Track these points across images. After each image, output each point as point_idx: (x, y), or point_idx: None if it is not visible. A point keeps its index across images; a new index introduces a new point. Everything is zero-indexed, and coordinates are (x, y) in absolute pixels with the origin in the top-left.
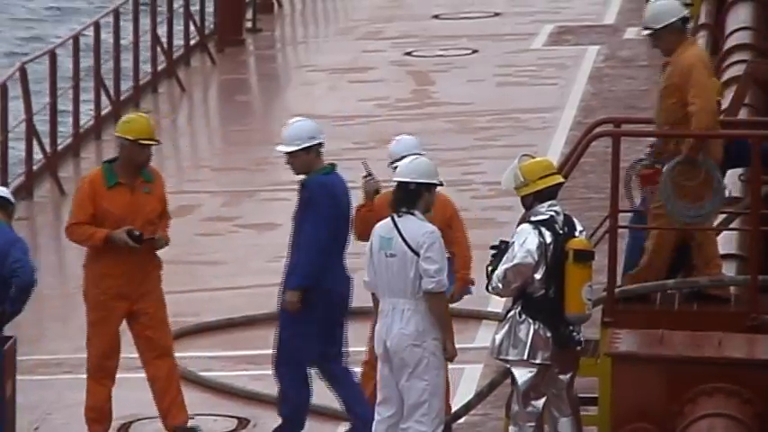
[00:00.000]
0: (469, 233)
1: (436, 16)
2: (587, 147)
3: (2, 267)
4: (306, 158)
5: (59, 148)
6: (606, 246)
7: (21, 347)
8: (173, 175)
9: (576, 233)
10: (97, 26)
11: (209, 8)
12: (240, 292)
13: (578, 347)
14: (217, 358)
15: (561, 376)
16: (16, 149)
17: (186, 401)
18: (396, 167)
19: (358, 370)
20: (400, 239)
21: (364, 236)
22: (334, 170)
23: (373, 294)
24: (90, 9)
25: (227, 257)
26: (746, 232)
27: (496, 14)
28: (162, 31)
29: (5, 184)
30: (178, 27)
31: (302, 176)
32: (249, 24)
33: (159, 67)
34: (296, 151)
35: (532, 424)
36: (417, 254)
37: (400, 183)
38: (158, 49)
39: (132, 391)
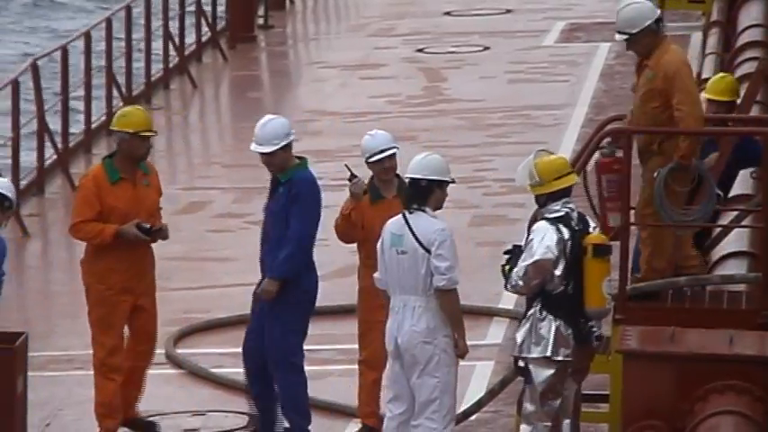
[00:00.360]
0: (481, 230)
1: (448, 13)
2: (599, 144)
3: None
4: (283, 156)
5: (71, 144)
6: (617, 243)
7: (32, 344)
8: (184, 171)
9: (590, 229)
10: (109, 22)
11: (221, 4)
12: (251, 288)
13: (598, 342)
14: (227, 355)
15: (573, 379)
16: (28, 146)
17: (197, 398)
18: (373, 161)
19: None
20: (411, 236)
21: (348, 238)
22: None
23: (384, 291)
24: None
25: (237, 254)
26: (758, 229)
27: (508, 11)
28: (174, 27)
29: (17, 181)
30: (190, 23)
31: (279, 172)
32: (261, 21)
33: (171, 64)
34: (276, 150)
35: (548, 423)
36: (428, 251)
37: (411, 179)
38: (170, 45)
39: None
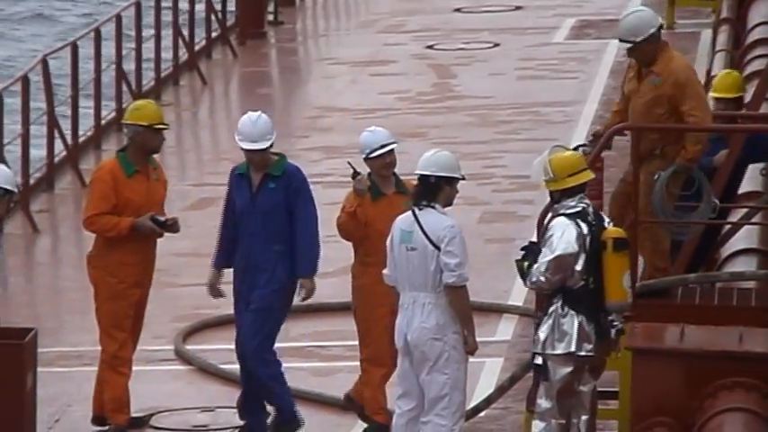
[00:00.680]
0: (491, 227)
1: (458, 9)
2: (609, 141)
3: None
4: (269, 152)
5: (81, 140)
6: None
7: (41, 339)
8: (193, 167)
9: (605, 224)
10: (119, 18)
11: (231, 0)
12: None
13: (620, 336)
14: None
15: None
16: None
17: (207, 394)
18: (374, 156)
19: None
20: (421, 233)
21: (351, 236)
22: None
23: (393, 288)
24: None
25: None
26: (767, 227)
27: (518, 8)
28: (183, 23)
29: (27, 177)
30: (200, 18)
31: (264, 168)
32: (271, 17)
33: (181, 60)
34: (269, 146)
35: (562, 421)
36: (438, 247)
37: (421, 176)
38: (180, 41)
39: (151, 383)
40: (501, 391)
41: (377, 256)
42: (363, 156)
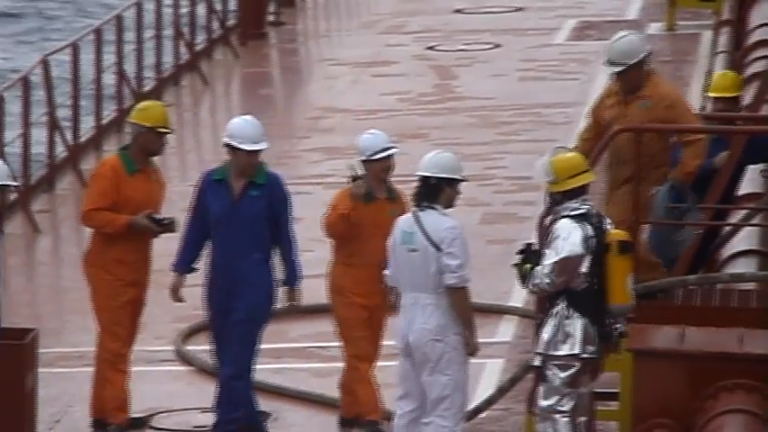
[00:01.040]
0: (492, 228)
1: (459, 10)
2: (609, 142)
3: None
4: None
5: (81, 140)
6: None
7: (42, 340)
8: (194, 168)
9: (606, 226)
10: (119, 19)
11: (232, 1)
12: None
13: (622, 338)
14: None
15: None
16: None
17: (207, 395)
18: (376, 159)
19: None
20: (421, 234)
21: (339, 236)
22: None
23: (395, 288)
24: None
25: None
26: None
27: (519, 9)
28: (185, 23)
29: (27, 177)
30: (201, 18)
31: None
32: (272, 18)
33: (182, 60)
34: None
35: (568, 417)
36: (439, 248)
37: (422, 177)
38: (181, 42)
39: (152, 384)
40: (502, 392)
41: (358, 257)
42: (364, 157)
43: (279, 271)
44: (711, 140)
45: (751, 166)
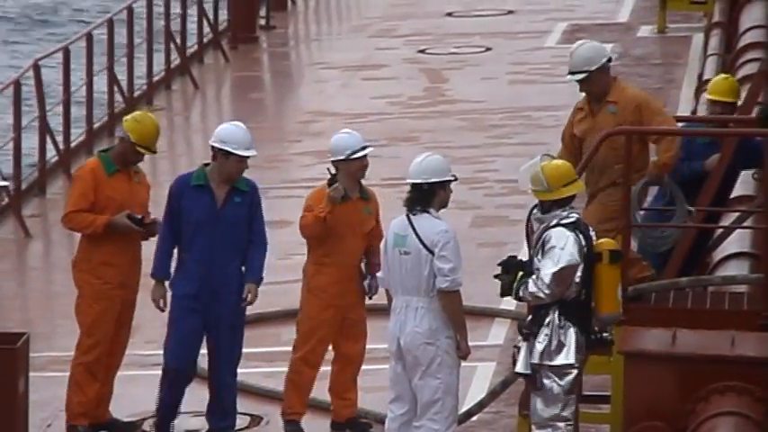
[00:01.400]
0: (483, 231)
1: (449, 14)
2: (600, 145)
3: None
4: None
5: (72, 145)
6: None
7: (33, 344)
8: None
9: (591, 234)
10: (111, 23)
11: (223, 5)
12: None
13: (610, 346)
14: None
15: None
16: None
17: (200, 398)
18: (354, 158)
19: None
20: (415, 237)
21: (315, 236)
22: None
23: (387, 291)
24: None
25: None
26: (759, 231)
27: (510, 12)
28: (175, 28)
29: (19, 181)
30: (192, 24)
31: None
32: (263, 21)
33: (173, 65)
34: None
35: (571, 423)
36: (432, 252)
37: (414, 184)
38: (172, 45)
39: (143, 387)
40: (493, 395)
41: (334, 257)
42: (342, 157)
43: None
44: (704, 144)
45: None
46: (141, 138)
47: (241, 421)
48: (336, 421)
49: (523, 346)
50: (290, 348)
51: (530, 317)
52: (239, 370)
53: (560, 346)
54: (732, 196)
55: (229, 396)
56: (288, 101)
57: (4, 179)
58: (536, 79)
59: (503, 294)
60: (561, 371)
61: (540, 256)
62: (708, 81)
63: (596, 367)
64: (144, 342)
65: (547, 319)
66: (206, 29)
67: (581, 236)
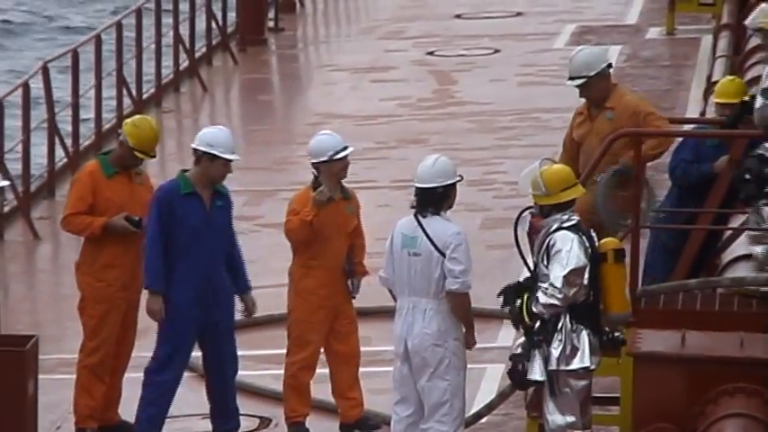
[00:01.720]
0: (492, 233)
1: (458, 16)
2: (609, 147)
3: None
4: None
5: (81, 147)
6: (628, 245)
7: (42, 347)
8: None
9: (592, 235)
10: (119, 26)
11: (232, 7)
12: (262, 291)
13: (622, 346)
14: (239, 357)
15: None
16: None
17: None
18: (337, 159)
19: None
20: (426, 239)
21: (302, 241)
22: None
23: (390, 291)
24: None
25: (248, 257)
26: None
27: (518, 14)
28: (184, 30)
29: (27, 183)
30: (200, 26)
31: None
32: (271, 24)
33: (181, 67)
34: None
35: (589, 430)
36: (443, 254)
37: (426, 188)
38: (180, 48)
39: None
40: (502, 397)
41: (321, 259)
42: (325, 158)
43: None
44: (713, 146)
45: None
46: (139, 142)
47: (250, 423)
48: (345, 423)
49: (536, 353)
50: None
51: (539, 323)
52: (247, 372)
53: (575, 350)
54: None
55: (234, 398)
56: (296, 103)
57: (5, 179)
58: (545, 81)
59: (516, 323)
60: (578, 375)
61: (545, 262)
62: (716, 83)
63: (605, 369)
64: (151, 344)
65: (559, 325)
66: (215, 31)
67: (584, 237)
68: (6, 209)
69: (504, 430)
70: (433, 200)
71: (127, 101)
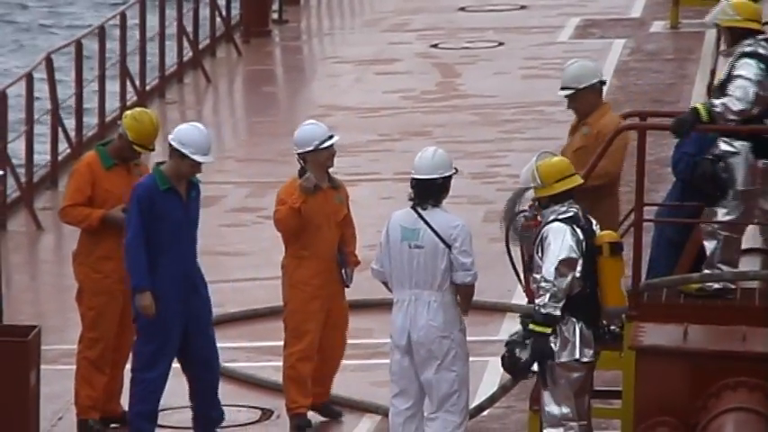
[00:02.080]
0: (495, 226)
1: (462, 8)
2: (613, 140)
3: None
4: None
5: (84, 138)
6: (631, 239)
7: (45, 337)
8: None
9: (594, 227)
10: (123, 16)
11: None
12: (264, 283)
13: (620, 339)
14: (241, 349)
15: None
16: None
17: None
18: (323, 148)
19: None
20: (430, 231)
21: (292, 230)
22: None
23: (385, 284)
24: None
25: (251, 248)
26: None
27: (522, 7)
28: (188, 21)
29: (31, 174)
30: (204, 17)
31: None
32: (275, 15)
33: (185, 58)
34: None
35: (584, 422)
36: (449, 246)
37: (426, 179)
38: (184, 39)
39: None
40: (505, 390)
41: (312, 249)
42: (311, 147)
43: None
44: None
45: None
46: (138, 136)
47: (252, 415)
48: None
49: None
50: None
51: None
52: (248, 364)
53: (566, 342)
54: None
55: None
56: (300, 95)
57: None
58: (549, 74)
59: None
60: (569, 367)
61: (540, 254)
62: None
63: (607, 363)
64: None
65: None
66: (218, 23)
67: (578, 230)
68: (12, 196)
69: (506, 423)
70: (433, 191)
71: (130, 92)
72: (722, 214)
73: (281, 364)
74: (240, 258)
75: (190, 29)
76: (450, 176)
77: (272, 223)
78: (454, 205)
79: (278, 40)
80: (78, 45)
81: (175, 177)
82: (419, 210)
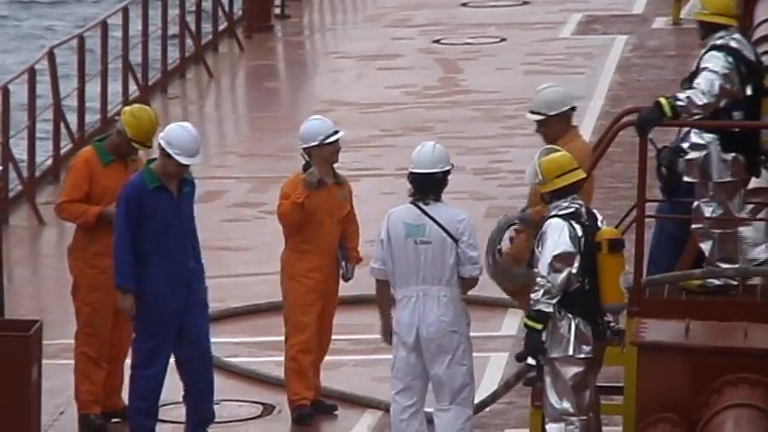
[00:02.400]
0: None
1: (464, 4)
2: (615, 136)
3: None
4: None
5: (87, 133)
6: (633, 235)
7: (46, 332)
8: None
9: (599, 224)
10: (126, 11)
11: None
12: (266, 278)
13: (618, 338)
14: (242, 344)
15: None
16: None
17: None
18: (328, 143)
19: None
20: (436, 226)
21: (295, 225)
22: None
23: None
24: None
25: (252, 244)
26: None
27: (525, 3)
28: (190, 16)
29: (33, 168)
30: (206, 13)
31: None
32: (278, 11)
33: (187, 53)
34: None
35: (585, 417)
36: (456, 240)
37: (426, 174)
38: (186, 34)
39: None
40: (507, 386)
41: (313, 243)
42: (316, 143)
43: None
44: None
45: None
46: (137, 133)
47: (254, 410)
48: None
49: None
50: None
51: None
52: (250, 359)
53: (560, 338)
54: (748, 188)
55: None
56: (303, 90)
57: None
58: (551, 70)
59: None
60: (564, 363)
61: (540, 249)
62: None
63: (609, 358)
64: None
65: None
66: (221, 17)
67: (577, 226)
68: (14, 191)
69: (508, 419)
70: (434, 186)
71: (132, 87)
72: (709, 212)
73: (282, 359)
74: (242, 253)
75: (192, 24)
76: (448, 171)
77: (273, 218)
78: (456, 201)
79: (280, 36)
80: (81, 40)
81: (164, 176)
82: (421, 205)
